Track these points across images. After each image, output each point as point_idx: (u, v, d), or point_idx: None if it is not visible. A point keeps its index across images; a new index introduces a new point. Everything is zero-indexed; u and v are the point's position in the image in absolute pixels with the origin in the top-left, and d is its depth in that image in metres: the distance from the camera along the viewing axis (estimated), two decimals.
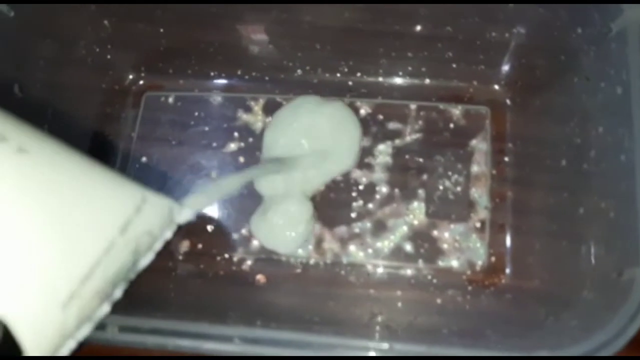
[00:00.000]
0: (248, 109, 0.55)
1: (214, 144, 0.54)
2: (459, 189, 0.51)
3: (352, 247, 0.50)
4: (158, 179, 0.53)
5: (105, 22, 0.52)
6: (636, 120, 0.35)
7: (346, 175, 0.52)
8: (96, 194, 0.25)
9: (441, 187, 0.51)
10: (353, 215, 0.51)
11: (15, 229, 0.22)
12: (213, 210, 0.52)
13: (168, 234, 0.28)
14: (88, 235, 0.24)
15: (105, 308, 0.25)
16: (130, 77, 0.57)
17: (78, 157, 0.25)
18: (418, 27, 0.50)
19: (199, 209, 0.30)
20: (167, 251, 0.51)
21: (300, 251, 0.50)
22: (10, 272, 0.22)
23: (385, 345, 0.34)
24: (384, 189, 0.51)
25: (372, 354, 0.34)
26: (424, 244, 0.50)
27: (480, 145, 0.52)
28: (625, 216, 0.35)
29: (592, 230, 0.39)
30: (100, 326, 0.36)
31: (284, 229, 0.49)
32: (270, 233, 0.49)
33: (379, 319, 0.45)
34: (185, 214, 0.29)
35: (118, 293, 0.26)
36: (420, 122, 0.53)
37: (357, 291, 0.49)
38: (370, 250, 0.50)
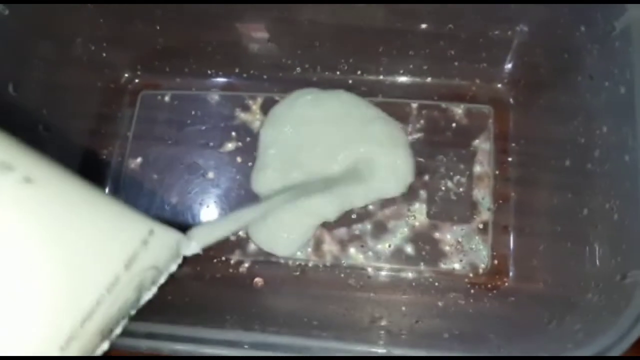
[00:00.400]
0: (246, 108, 0.54)
1: (211, 144, 0.53)
2: (461, 189, 0.50)
3: (352, 250, 0.49)
4: (154, 180, 0.53)
5: (101, 20, 0.51)
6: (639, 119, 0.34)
7: None
8: (102, 227, 0.24)
9: (443, 188, 0.50)
10: (353, 216, 0.50)
11: (19, 266, 0.21)
12: (210, 212, 0.51)
13: (173, 267, 0.27)
14: (92, 271, 0.23)
15: (105, 346, 0.24)
16: (126, 75, 0.56)
17: (85, 186, 0.24)
18: (420, 25, 0.49)
19: (208, 242, 0.29)
20: None
21: (298, 253, 0.49)
22: (10, 312, 0.21)
23: (385, 350, 0.33)
24: None
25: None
26: (426, 246, 0.49)
27: (483, 145, 0.51)
28: (629, 218, 0.35)
29: (596, 231, 0.39)
30: None
31: (282, 231, 0.48)
32: (268, 235, 0.48)
33: (380, 322, 0.45)
34: (192, 247, 0.28)
35: (119, 330, 0.25)
36: (421, 122, 0.52)
37: (357, 294, 0.48)
38: (370, 253, 0.49)
